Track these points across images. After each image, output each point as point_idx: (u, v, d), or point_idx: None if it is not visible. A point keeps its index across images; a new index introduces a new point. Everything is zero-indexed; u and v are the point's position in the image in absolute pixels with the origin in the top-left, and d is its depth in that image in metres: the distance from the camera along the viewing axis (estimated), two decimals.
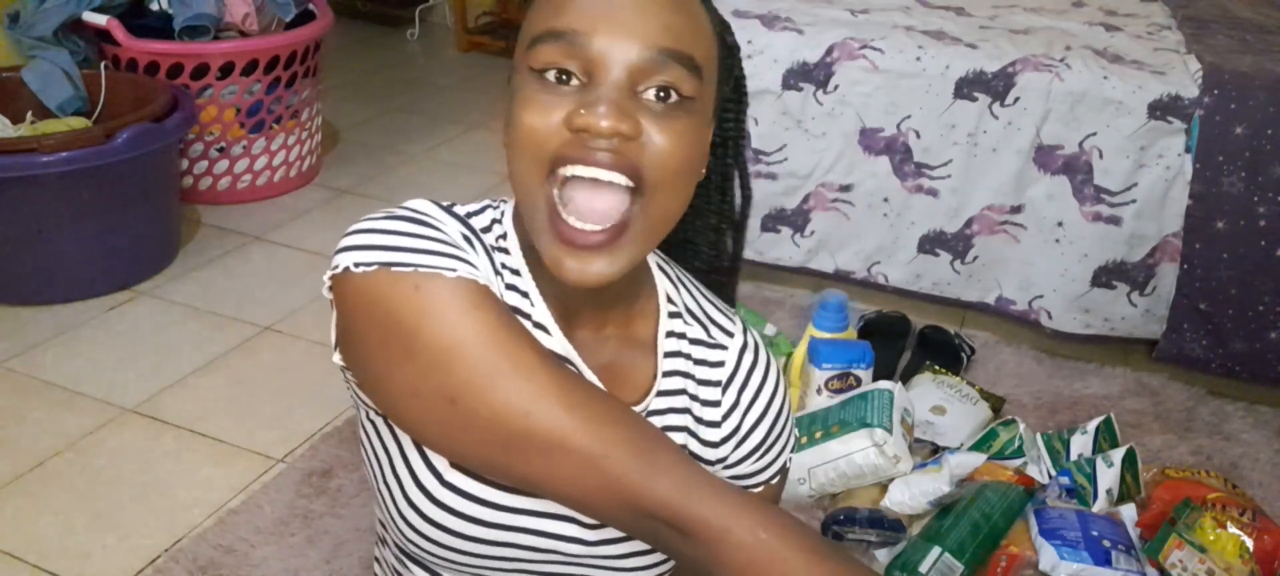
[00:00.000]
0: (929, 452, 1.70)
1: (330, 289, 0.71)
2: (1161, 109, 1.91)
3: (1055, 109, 1.97)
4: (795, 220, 2.22)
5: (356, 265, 0.68)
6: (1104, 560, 1.42)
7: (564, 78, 0.67)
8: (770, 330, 2.05)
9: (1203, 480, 1.62)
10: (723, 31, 0.75)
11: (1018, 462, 1.65)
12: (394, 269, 0.67)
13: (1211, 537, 1.46)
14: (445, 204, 0.75)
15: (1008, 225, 2.08)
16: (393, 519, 0.76)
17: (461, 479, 0.74)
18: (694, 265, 0.89)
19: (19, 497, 1.63)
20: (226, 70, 2.50)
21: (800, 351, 1.89)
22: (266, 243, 2.49)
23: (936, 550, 1.44)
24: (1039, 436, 1.72)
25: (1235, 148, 1.87)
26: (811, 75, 2.11)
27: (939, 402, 1.80)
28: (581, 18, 0.66)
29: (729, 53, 0.77)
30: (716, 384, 0.83)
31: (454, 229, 0.72)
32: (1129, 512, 1.56)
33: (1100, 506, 1.55)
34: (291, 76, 2.62)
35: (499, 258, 0.75)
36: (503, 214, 0.78)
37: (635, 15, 0.66)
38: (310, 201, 2.73)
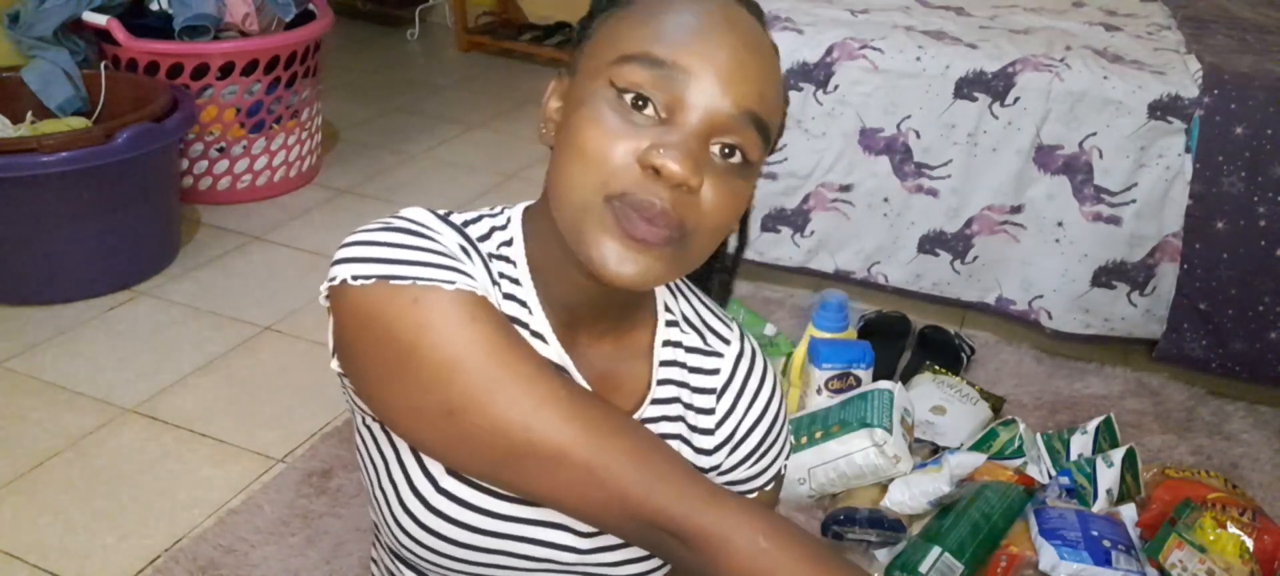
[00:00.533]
0: (929, 452, 1.70)
1: (327, 299, 0.71)
2: (1161, 109, 1.91)
3: (1055, 109, 1.97)
4: (795, 220, 2.22)
5: (354, 278, 0.67)
6: (1104, 560, 1.42)
7: (641, 104, 0.66)
8: (770, 330, 2.05)
9: (1203, 480, 1.62)
10: (784, 93, 0.75)
11: (1018, 462, 1.65)
12: (392, 282, 0.66)
13: (1211, 537, 1.46)
14: (442, 212, 0.74)
15: (1008, 225, 2.08)
16: (387, 524, 0.76)
17: (457, 486, 0.74)
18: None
19: (19, 497, 1.63)
20: (226, 70, 2.50)
21: (800, 351, 1.90)
22: (266, 242, 2.49)
23: (936, 550, 1.44)
24: (1039, 436, 1.72)
25: (1235, 148, 1.87)
26: (811, 75, 2.11)
27: (939, 402, 1.80)
28: (683, 54, 0.65)
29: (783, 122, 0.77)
30: (711, 392, 0.83)
31: (451, 239, 0.72)
32: (1129, 512, 1.56)
33: (1100, 506, 1.55)
34: (291, 76, 2.62)
35: (497, 266, 0.74)
36: (507, 221, 0.77)
37: (736, 71, 0.66)
38: (310, 201, 2.73)
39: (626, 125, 0.65)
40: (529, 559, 0.77)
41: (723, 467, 0.84)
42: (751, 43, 0.67)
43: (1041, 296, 2.10)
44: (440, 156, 3.07)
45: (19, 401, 1.85)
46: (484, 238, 0.75)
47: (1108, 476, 1.57)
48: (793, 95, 2.13)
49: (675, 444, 0.81)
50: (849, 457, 1.57)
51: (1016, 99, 2.00)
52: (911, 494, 1.53)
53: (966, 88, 2.02)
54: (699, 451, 0.82)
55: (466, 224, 0.75)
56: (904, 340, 2.10)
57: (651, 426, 0.80)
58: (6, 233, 2.09)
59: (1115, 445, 1.70)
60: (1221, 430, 1.90)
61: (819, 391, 1.79)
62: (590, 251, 0.67)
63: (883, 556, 1.54)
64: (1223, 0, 2.49)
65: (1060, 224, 2.03)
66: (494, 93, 3.67)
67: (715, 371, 0.83)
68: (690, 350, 0.82)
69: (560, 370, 0.75)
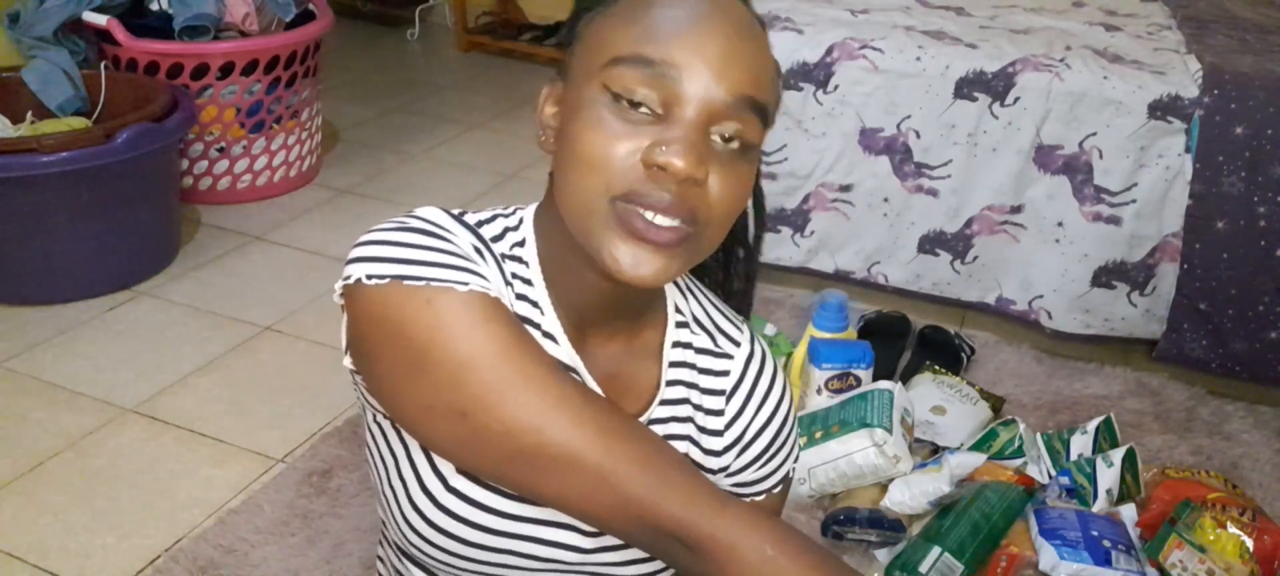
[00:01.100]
0: (929, 452, 1.70)
1: (341, 297, 0.71)
2: (1161, 109, 1.91)
3: (1055, 109, 1.97)
4: (795, 220, 2.22)
5: (369, 277, 0.68)
6: (1104, 560, 1.42)
7: (636, 104, 0.66)
8: (770, 330, 2.05)
9: (1203, 480, 1.62)
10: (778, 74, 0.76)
11: (1018, 462, 1.65)
12: (406, 282, 0.67)
13: (1211, 537, 1.46)
14: (456, 212, 0.75)
15: (1008, 225, 2.08)
16: (396, 521, 0.77)
17: (466, 484, 0.74)
18: (704, 279, 0.89)
19: (19, 497, 1.63)
20: (226, 70, 2.50)
21: (800, 351, 1.90)
22: (266, 243, 2.49)
23: (936, 550, 1.44)
24: (1039, 436, 1.72)
25: (1235, 148, 1.87)
26: (811, 75, 2.11)
27: (939, 402, 1.80)
28: (674, 50, 0.65)
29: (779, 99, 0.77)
30: (721, 393, 0.83)
31: (465, 239, 0.72)
32: (1129, 512, 1.56)
33: (1100, 506, 1.55)
34: (291, 76, 2.62)
35: (510, 266, 0.75)
36: (520, 221, 0.77)
37: (727, 58, 0.66)
38: (310, 201, 2.73)
39: (625, 126, 0.66)
40: (535, 559, 0.77)
41: (732, 469, 0.84)
42: (740, 27, 0.67)
43: (1041, 296, 2.10)
44: (440, 156, 3.07)
45: (19, 401, 1.85)
46: (497, 238, 0.75)
47: (1108, 476, 1.57)
48: (793, 95, 2.13)
49: (684, 445, 0.81)
50: (849, 457, 1.57)
51: (1016, 99, 2.00)
52: (911, 494, 1.53)
53: (966, 88, 2.02)
54: (708, 452, 0.82)
55: (480, 224, 0.75)
56: (904, 340, 2.10)
57: (660, 427, 0.80)
58: (6, 233, 2.09)
59: (1115, 445, 1.70)
60: (1221, 430, 1.90)
61: (819, 391, 1.79)
62: (604, 255, 0.67)
63: (883, 556, 1.54)
64: (1223, 0, 2.49)
65: (1060, 224, 2.03)
66: (494, 93, 3.67)
67: (725, 373, 0.83)
68: (700, 351, 0.83)
69: (571, 371, 0.75)
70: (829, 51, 2.10)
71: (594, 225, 0.67)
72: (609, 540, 0.78)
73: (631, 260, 0.66)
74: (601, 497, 0.67)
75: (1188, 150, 1.91)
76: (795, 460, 0.90)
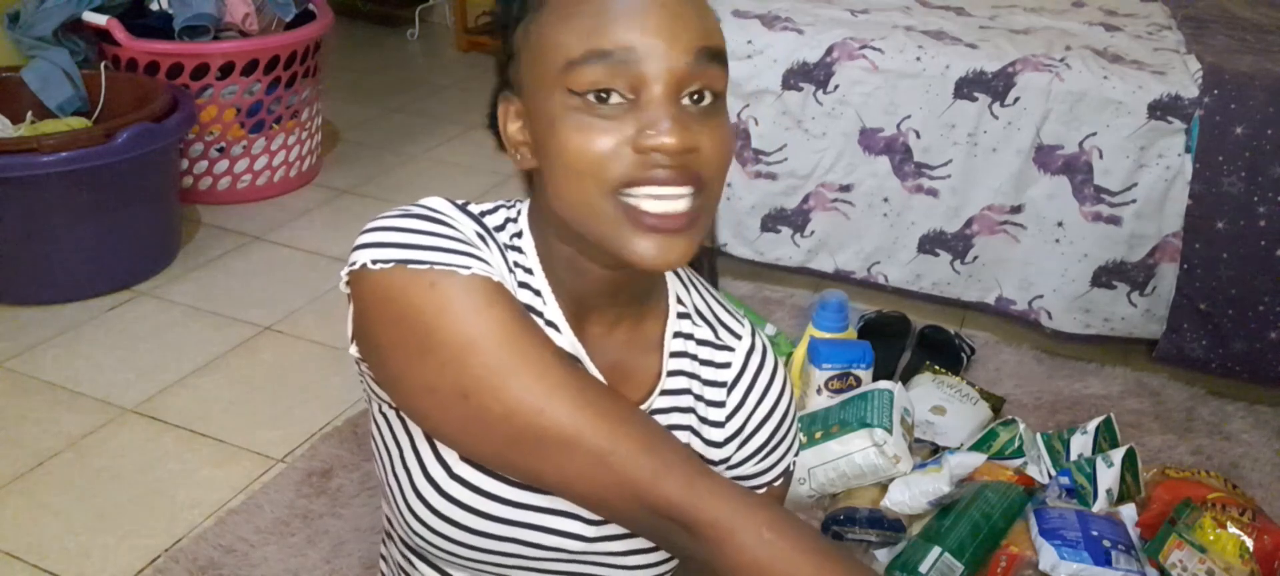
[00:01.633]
0: (929, 452, 1.70)
1: (347, 284, 0.72)
2: (1161, 109, 1.91)
3: (1055, 109, 1.97)
4: (795, 220, 2.22)
5: (374, 262, 0.69)
6: (1104, 560, 1.42)
7: (604, 96, 0.66)
8: (770, 330, 2.05)
9: (1203, 480, 1.62)
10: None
11: (1018, 462, 1.65)
12: (410, 266, 0.68)
13: (1211, 537, 1.46)
14: (460, 202, 0.76)
15: (1008, 225, 2.08)
16: (401, 511, 0.77)
17: (470, 472, 0.74)
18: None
19: (19, 497, 1.63)
20: (226, 70, 2.50)
21: (800, 351, 1.90)
22: (266, 243, 2.49)
23: (936, 550, 1.44)
24: (1039, 436, 1.72)
25: (1235, 148, 1.87)
26: (811, 75, 2.11)
27: (939, 402, 1.80)
28: (625, 34, 0.65)
29: None
30: (722, 385, 0.83)
31: (469, 227, 0.73)
32: (1129, 512, 1.56)
33: (1100, 506, 1.55)
34: (291, 76, 2.62)
35: (512, 256, 0.75)
36: (518, 213, 0.78)
37: (676, 22, 0.66)
38: (310, 201, 2.73)
39: (603, 121, 0.66)
40: (538, 547, 0.77)
41: (732, 461, 0.85)
42: None
43: (1041, 296, 2.10)
44: (440, 156, 3.07)
45: (19, 401, 1.85)
46: (500, 227, 0.76)
47: (1108, 476, 1.57)
48: (793, 95, 2.13)
49: (685, 435, 0.81)
50: (849, 457, 1.57)
51: (1016, 99, 2.00)
52: (911, 494, 1.53)
53: (966, 88, 2.02)
54: (709, 443, 0.83)
55: (484, 214, 0.76)
56: (904, 340, 2.10)
57: (662, 416, 0.80)
58: (6, 233, 2.09)
59: (1115, 445, 1.70)
60: (1221, 430, 1.90)
61: (819, 391, 1.79)
62: (626, 253, 0.68)
63: (883, 556, 1.54)
64: (1223, 0, 2.49)
65: (1060, 224, 2.03)
66: None
67: (726, 365, 0.84)
68: (701, 342, 0.83)
69: (573, 359, 0.76)
70: (829, 51, 2.10)
71: (605, 226, 0.68)
72: (612, 529, 0.78)
73: (655, 250, 0.67)
74: (602, 480, 0.68)
75: (1188, 150, 1.91)
76: (796, 454, 0.90)
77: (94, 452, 1.73)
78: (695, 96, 0.68)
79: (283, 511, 1.60)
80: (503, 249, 0.75)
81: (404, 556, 0.84)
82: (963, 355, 2.03)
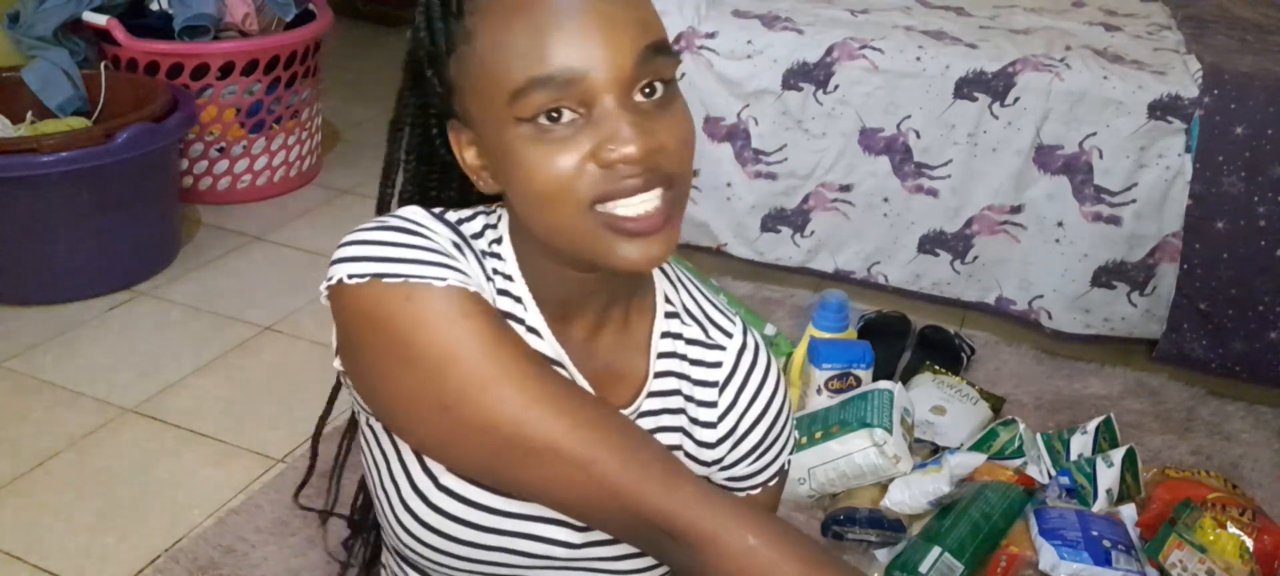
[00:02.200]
0: (929, 452, 1.70)
1: (327, 298, 0.71)
2: (1161, 109, 1.91)
3: (1055, 109, 1.97)
4: (795, 220, 2.22)
5: (350, 276, 0.68)
6: (1104, 560, 1.42)
7: (555, 116, 0.65)
8: (770, 330, 2.05)
9: (1203, 480, 1.62)
10: None
11: (1018, 462, 1.65)
12: (385, 279, 0.67)
13: (1211, 537, 1.46)
14: (437, 211, 0.75)
15: (1008, 225, 2.08)
16: (389, 523, 0.77)
17: (457, 483, 0.74)
18: None
19: (19, 497, 1.63)
20: (226, 70, 2.50)
21: (800, 351, 1.89)
22: (266, 243, 2.49)
23: (936, 550, 1.44)
24: (1039, 436, 1.72)
25: (1235, 148, 1.87)
26: (811, 75, 2.11)
27: (939, 402, 1.80)
28: (562, 53, 0.64)
29: None
30: (713, 384, 0.82)
31: (444, 236, 0.72)
32: (1129, 512, 1.56)
33: (1100, 506, 1.55)
34: (291, 76, 2.62)
35: (490, 263, 0.75)
36: (498, 219, 0.77)
37: (613, 30, 0.64)
38: (310, 201, 2.73)
39: (560, 144, 0.65)
40: (527, 555, 0.77)
41: (725, 462, 0.84)
42: None
43: (1041, 296, 2.10)
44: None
45: (19, 401, 1.85)
46: (477, 235, 0.75)
47: (1108, 476, 1.57)
48: (793, 95, 2.13)
49: (676, 436, 0.81)
50: (849, 457, 1.57)
51: (1016, 99, 2.00)
52: (911, 494, 1.53)
53: (966, 88, 2.02)
54: (701, 444, 0.82)
55: (461, 221, 0.75)
56: (904, 340, 2.10)
57: (651, 419, 0.80)
58: (6, 233, 2.09)
59: (1115, 445, 1.70)
60: (1221, 430, 1.90)
61: (819, 391, 1.79)
62: (611, 261, 0.67)
63: (883, 556, 1.54)
64: (1223, 0, 2.49)
65: (1060, 224, 2.03)
66: None
67: (717, 364, 0.83)
68: (691, 342, 0.82)
69: (555, 365, 0.75)
70: (829, 51, 2.10)
71: (585, 240, 0.67)
72: (598, 535, 0.78)
73: (639, 253, 0.67)
74: (583, 489, 0.67)
75: (1188, 150, 1.91)
76: (791, 453, 0.90)
77: (94, 452, 1.73)
78: (646, 90, 0.66)
79: (283, 511, 1.60)
80: (480, 256, 0.74)
81: (397, 564, 0.84)
82: (963, 355, 2.03)
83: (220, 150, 2.59)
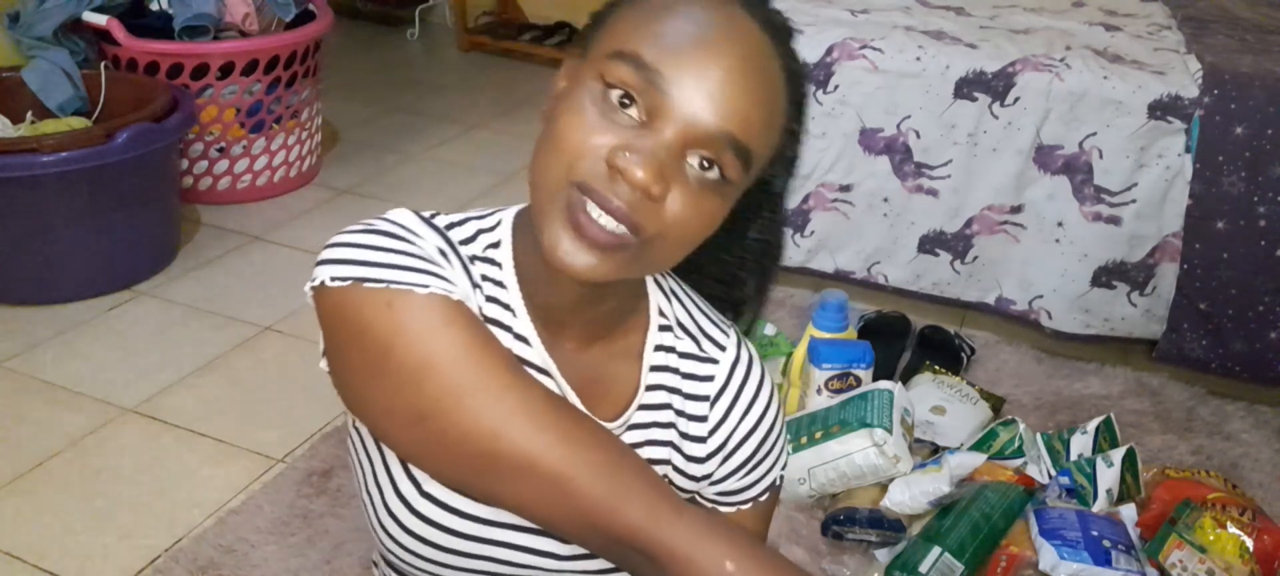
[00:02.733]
0: (929, 452, 1.70)
1: (312, 299, 0.71)
2: (1161, 109, 1.91)
3: (1055, 109, 1.97)
4: (795, 220, 2.22)
5: (333, 279, 0.67)
6: (1104, 560, 1.42)
7: (626, 102, 0.65)
8: (770, 330, 2.05)
9: (1203, 480, 1.62)
10: (793, 121, 0.73)
11: (1018, 462, 1.65)
12: (367, 284, 0.66)
13: (1211, 537, 1.46)
14: (427, 215, 0.74)
15: (1008, 225, 2.08)
16: (374, 527, 0.77)
17: (441, 491, 0.73)
18: (705, 290, 0.87)
19: (19, 497, 1.63)
20: (226, 70, 2.50)
21: (800, 351, 1.89)
22: (266, 243, 2.49)
23: (936, 550, 1.44)
24: (1039, 436, 1.72)
25: (1235, 148, 1.87)
26: (811, 75, 2.11)
27: (939, 402, 1.80)
28: (671, 62, 0.63)
29: (792, 139, 0.75)
30: (704, 398, 0.81)
31: (431, 242, 0.71)
32: (1129, 512, 1.56)
33: (1100, 506, 1.55)
34: (291, 76, 2.62)
35: (481, 269, 0.74)
36: (496, 223, 0.76)
37: (720, 89, 0.64)
38: (310, 201, 2.73)
39: (604, 121, 0.65)
40: (512, 564, 0.76)
41: (715, 476, 0.83)
42: (748, 63, 0.65)
43: (1041, 296, 2.10)
44: (440, 156, 3.07)
45: (19, 401, 1.85)
46: (468, 241, 0.74)
47: (1108, 476, 1.57)
48: None
49: (665, 450, 0.80)
50: (849, 457, 1.57)
51: (1016, 99, 2.00)
52: (911, 494, 1.53)
53: (966, 88, 2.02)
54: (690, 458, 0.81)
55: (451, 227, 0.74)
56: (904, 340, 2.10)
57: (640, 432, 0.79)
58: (6, 233, 2.09)
59: (1115, 445, 1.70)
60: (1221, 430, 1.90)
61: (819, 391, 1.79)
62: (544, 237, 0.66)
63: (883, 556, 1.54)
64: (1223, 0, 2.49)
65: (1060, 224, 2.03)
66: (494, 93, 3.67)
67: (709, 378, 0.81)
68: (683, 355, 0.81)
69: (544, 375, 0.74)
70: (829, 51, 2.10)
71: (547, 205, 0.66)
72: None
73: (567, 249, 0.65)
74: (559, 504, 0.66)
75: (1188, 150, 1.91)
76: (783, 468, 0.88)
77: (94, 452, 1.73)
78: (705, 164, 0.65)
79: (283, 511, 1.60)
80: (467, 263, 0.73)
81: (385, 568, 0.84)
82: (963, 355, 2.03)
83: (220, 150, 2.59)
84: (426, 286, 0.66)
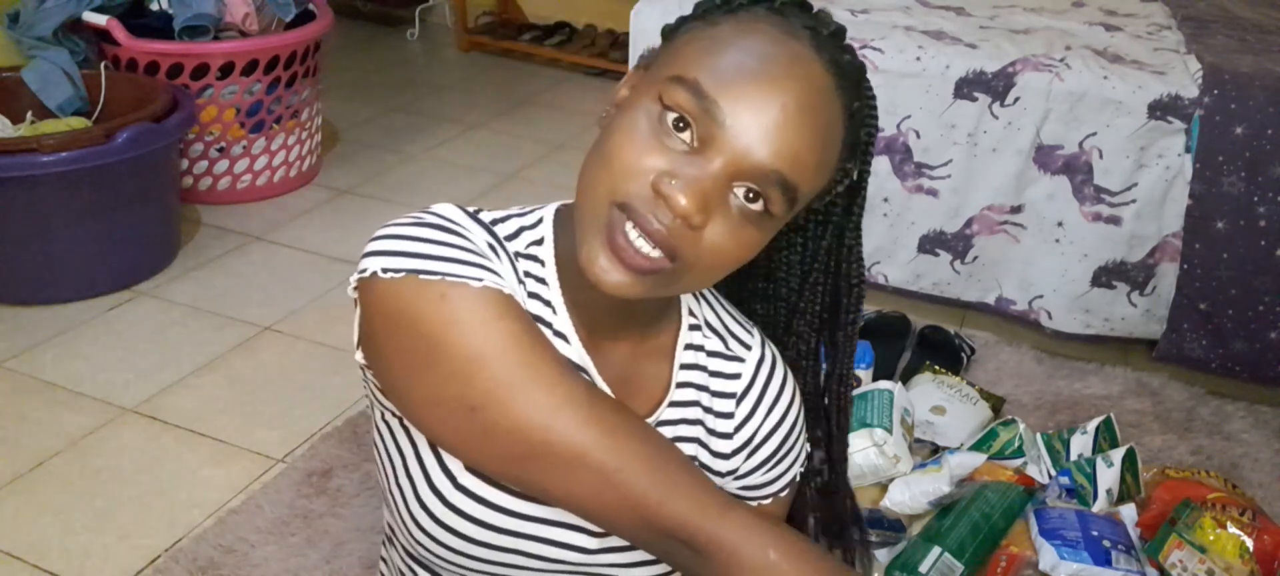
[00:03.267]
0: (929, 452, 1.70)
1: (355, 290, 0.71)
2: (1161, 109, 1.91)
3: (1055, 109, 1.98)
4: None
5: (384, 270, 0.68)
6: (1104, 560, 1.42)
7: (680, 126, 0.65)
8: None
9: (1203, 480, 1.62)
10: (849, 160, 0.73)
11: (1018, 462, 1.65)
12: (421, 276, 0.67)
13: (1211, 537, 1.46)
14: (471, 210, 0.75)
15: (1008, 225, 2.08)
16: (403, 521, 0.77)
17: (475, 482, 0.74)
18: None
19: (19, 497, 1.63)
20: (226, 70, 2.50)
21: None
22: (266, 243, 2.49)
23: (936, 550, 1.44)
24: (1039, 436, 1.72)
25: (1235, 148, 1.87)
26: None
27: (939, 402, 1.80)
28: (728, 94, 0.64)
29: (844, 175, 0.75)
30: (731, 396, 0.83)
31: (480, 237, 0.73)
32: (1129, 512, 1.56)
33: (1100, 506, 1.55)
34: (291, 76, 2.62)
35: (524, 265, 0.75)
36: (538, 221, 0.78)
37: (774, 127, 0.64)
38: (310, 201, 2.73)
39: (656, 144, 0.65)
40: (541, 558, 0.77)
41: (740, 471, 0.84)
42: (807, 101, 0.65)
43: (1041, 296, 2.10)
44: (440, 156, 3.07)
45: (19, 401, 1.85)
46: (511, 237, 0.76)
47: (1108, 476, 1.57)
48: None
49: (693, 447, 0.81)
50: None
51: (1016, 99, 2.00)
52: (911, 494, 1.53)
53: (966, 88, 2.02)
54: (717, 454, 0.83)
55: (495, 222, 0.76)
56: (904, 340, 2.10)
57: (670, 428, 0.80)
58: (6, 233, 2.09)
59: (1115, 445, 1.70)
60: (1221, 430, 1.90)
61: None
62: (582, 248, 0.67)
63: (883, 556, 1.54)
64: (1223, 0, 2.49)
65: (1060, 224, 2.03)
66: (494, 93, 3.67)
67: (736, 376, 0.83)
68: (712, 354, 0.83)
69: (581, 371, 0.76)
70: None
71: (588, 220, 0.67)
72: (614, 541, 0.78)
73: (602, 266, 0.66)
74: (607, 497, 0.67)
75: (1188, 150, 1.91)
76: (803, 464, 0.90)
77: (94, 452, 1.73)
78: (751, 195, 0.66)
79: (283, 511, 1.60)
80: (513, 259, 0.74)
81: (406, 563, 0.84)
82: (963, 355, 2.03)
83: (220, 150, 2.59)
84: (480, 280, 0.68)
